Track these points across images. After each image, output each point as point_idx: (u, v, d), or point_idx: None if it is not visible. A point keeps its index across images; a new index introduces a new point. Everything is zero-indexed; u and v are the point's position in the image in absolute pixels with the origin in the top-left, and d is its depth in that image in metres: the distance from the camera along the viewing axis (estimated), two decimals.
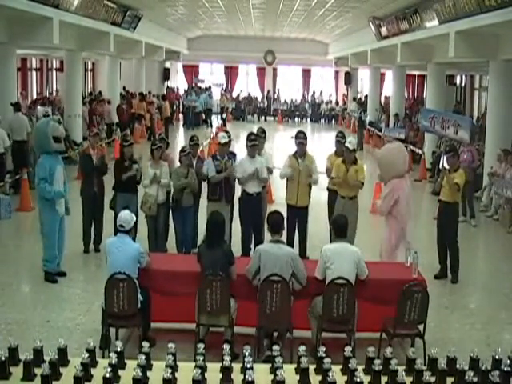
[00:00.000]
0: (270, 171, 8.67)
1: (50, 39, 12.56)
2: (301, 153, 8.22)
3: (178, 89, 33.52)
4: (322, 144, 21.89)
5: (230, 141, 8.65)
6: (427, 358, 4.03)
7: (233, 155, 8.57)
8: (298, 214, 8.25)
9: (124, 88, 24.38)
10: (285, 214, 7.41)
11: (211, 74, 35.50)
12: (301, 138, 8.24)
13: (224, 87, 33.59)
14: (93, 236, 9.03)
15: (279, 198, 11.13)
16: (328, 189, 8.82)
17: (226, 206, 8.06)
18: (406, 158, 7.64)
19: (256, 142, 8.22)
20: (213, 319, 5.54)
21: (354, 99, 29.47)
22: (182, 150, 8.40)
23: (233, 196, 8.42)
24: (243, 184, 8.21)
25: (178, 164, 8.59)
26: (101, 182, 8.97)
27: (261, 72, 34.46)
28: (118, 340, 4.48)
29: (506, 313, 7.27)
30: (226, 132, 9.11)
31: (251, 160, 8.16)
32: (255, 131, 9.21)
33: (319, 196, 9.65)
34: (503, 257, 9.88)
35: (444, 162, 8.94)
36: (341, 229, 5.89)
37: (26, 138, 12.79)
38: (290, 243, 8.02)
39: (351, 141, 8.32)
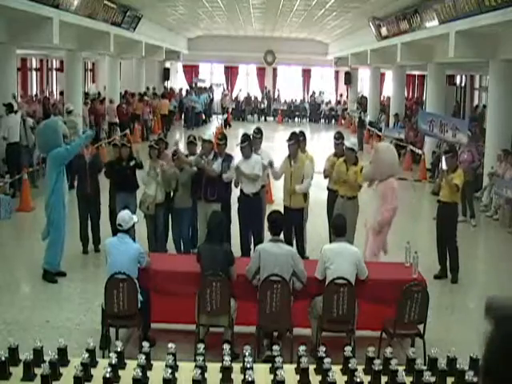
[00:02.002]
0: (270, 165, 8.63)
1: (50, 39, 12.55)
2: (293, 154, 8.19)
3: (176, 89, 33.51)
4: (321, 144, 21.87)
5: (225, 143, 8.65)
6: (427, 357, 4.03)
7: (229, 157, 8.51)
8: (293, 215, 8.21)
9: (126, 92, 24.39)
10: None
11: (211, 74, 35.49)
12: (291, 139, 8.18)
13: (224, 87, 33.59)
14: (91, 237, 9.03)
15: (279, 199, 11.12)
16: (328, 188, 8.82)
17: (205, 204, 8.07)
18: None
19: (244, 144, 8.16)
20: (213, 319, 5.55)
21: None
22: (174, 154, 8.43)
23: (222, 196, 8.31)
24: (240, 184, 8.22)
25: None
26: (95, 182, 8.96)
27: (261, 72, 34.45)
28: (118, 340, 4.48)
29: None
30: (222, 134, 9.10)
31: (247, 161, 8.16)
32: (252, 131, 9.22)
33: (319, 196, 9.65)
34: (503, 257, 9.88)
35: (443, 163, 8.96)
36: (339, 228, 5.92)
37: (18, 140, 12.73)
38: (289, 243, 8.03)
39: (350, 140, 8.36)
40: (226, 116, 28.73)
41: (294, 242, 8.28)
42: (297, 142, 8.18)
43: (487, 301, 1.64)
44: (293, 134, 8.35)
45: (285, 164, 8.25)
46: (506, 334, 1.44)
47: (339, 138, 8.81)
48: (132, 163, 8.54)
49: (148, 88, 25.84)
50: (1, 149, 12.64)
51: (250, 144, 8.26)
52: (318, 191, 9.46)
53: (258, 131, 9.13)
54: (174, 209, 8.33)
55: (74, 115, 15.25)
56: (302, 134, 8.87)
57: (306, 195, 8.34)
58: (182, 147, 13.50)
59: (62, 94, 21.10)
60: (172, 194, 8.39)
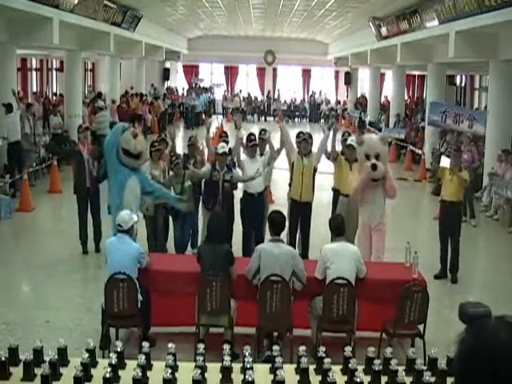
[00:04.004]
0: (278, 152, 8.62)
1: (50, 39, 12.55)
2: (307, 152, 8.22)
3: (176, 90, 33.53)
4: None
5: (228, 141, 8.71)
6: (427, 357, 4.03)
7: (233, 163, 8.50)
8: (302, 208, 8.24)
9: (126, 92, 24.41)
10: (286, 212, 7.46)
11: (211, 74, 35.50)
12: (311, 138, 8.33)
13: (225, 89, 33.61)
14: (90, 236, 9.02)
15: (279, 199, 11.13)
16: (332, 189, 8.83)
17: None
18: None
19: (256, 142, 8.27)
20: (213, 319, 5.54)
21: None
22: (171, 162, 8.31)
23: (229, 203, 8.23)
24: (245, 185, 8.22)
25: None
26: (94, 180, 8.90)
27: (261, 72, 34.45)
28: (118, 340, 4.48)
29: (505, 312, 7.25)
30: (224, 132, 9.12)
31: (252, 160, 8.18)
32: (256, 132, 9.23)
33: (321, 195, 9.66)
34: (503, 257, 9.88)
35: (443, 162, 8.95)
36: (338, 228, 5.94)
37: (19, 139, 12.75)
38: (292, 239, 8.05)
39: (354, 139, 8.37)
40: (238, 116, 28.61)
41: (297, 241, 8.30)
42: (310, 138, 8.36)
43: (460, 306, 1.66)
44: (301, 132, 8.54)
45: (296, 159, 8.22)
46: (476, 333, 1.48)
47: (349, 136, 8.82)
48: None
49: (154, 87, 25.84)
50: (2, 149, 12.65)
51: (257, 144, 8.33)
52: (320, 191, 9.47)
53: (265, 133, 9.10)
54: (179, 213, 8.24)
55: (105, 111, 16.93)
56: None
57: (313, 190, 8.32)
58: (181, 146, 13.53)
59: (61, 95, 21.14)
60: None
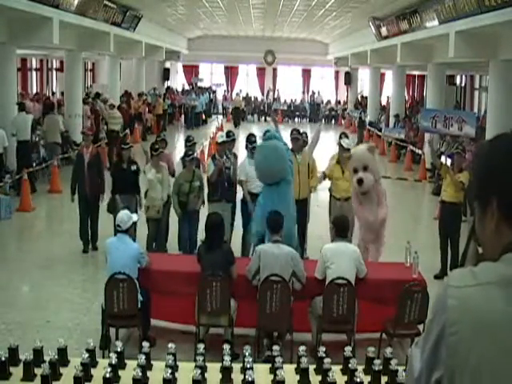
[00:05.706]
0: None
1: (50, 39, 12.55)
2: (299, 149, 8.20)
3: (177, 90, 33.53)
4: (321, 145, 21.84)
5: (233, 140, 8.71)
6: None
7: (234, 156, 8.57)
8: (300, 205, 8.20)
9: (126, 91, 24.43)
10: None
11: (211, 74, 35.50)
12: (300, 134, 8.30)
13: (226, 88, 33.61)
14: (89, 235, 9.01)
15: None
16: (329, 189, 8.82)
17: (227, 205, 8.03)
18: None
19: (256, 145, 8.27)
20: (213, 319, 5.54)
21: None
22: (187, 155, 8.28)
23: (234, 195, 8.38)
24: (248, 185, 8.21)
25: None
26: (95, 182, 8.86)
27: (261, 72, 34.45)
28: (118, 340, 4.48)
29: None
30: (229, 131, 9.11)
31: (251, 162, 8.16)
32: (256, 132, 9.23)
33: (319, 196, 9.65)
34: None
35: (444, 161, 8.94)
36: (343, 229, 5.93)
37: (29, 138, 12.83)
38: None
39: (345, 140, 8.39)
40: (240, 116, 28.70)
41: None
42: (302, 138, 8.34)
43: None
44: (297, 131, 8.49)
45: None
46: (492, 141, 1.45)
47: (346, 138, 8.80)
48: (134, 168, 8.49)
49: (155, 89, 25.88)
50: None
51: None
52: (319, 191, 9.46)
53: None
54: (187, 211, 8.15)
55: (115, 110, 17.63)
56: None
57: (309, 185, 8.33)
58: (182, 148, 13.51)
59: (62, 94, 21.17)
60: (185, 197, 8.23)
